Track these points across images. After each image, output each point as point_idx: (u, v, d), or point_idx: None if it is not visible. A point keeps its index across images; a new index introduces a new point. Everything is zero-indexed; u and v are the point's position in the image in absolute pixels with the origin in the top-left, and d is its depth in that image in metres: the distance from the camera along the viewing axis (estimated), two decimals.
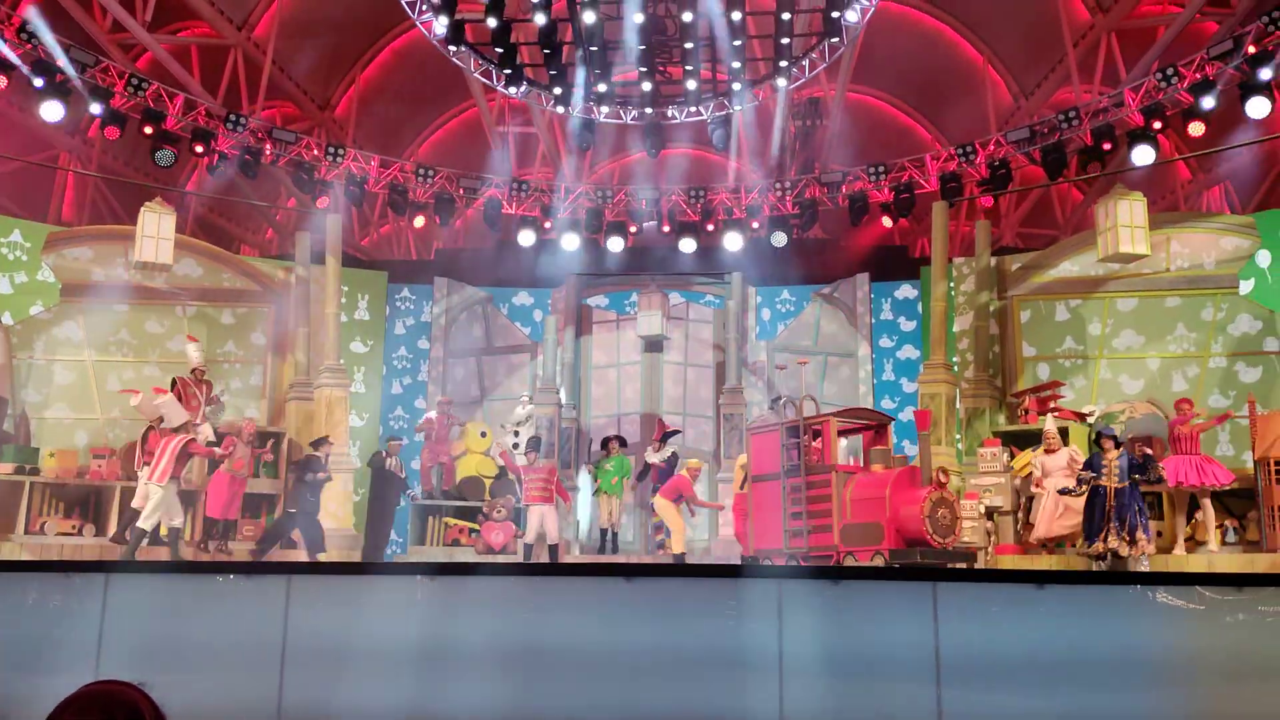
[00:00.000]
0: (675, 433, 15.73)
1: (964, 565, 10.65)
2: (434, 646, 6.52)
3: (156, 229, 15.90)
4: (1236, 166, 18.15)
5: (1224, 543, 12.51)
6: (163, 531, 12.76)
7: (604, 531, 14.63)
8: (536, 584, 6.97)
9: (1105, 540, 11.17)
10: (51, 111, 15.12)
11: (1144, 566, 10.97)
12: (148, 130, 16.03)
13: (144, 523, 12.24)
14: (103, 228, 17.88)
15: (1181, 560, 11.99)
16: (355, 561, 13.12)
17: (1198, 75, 14.74)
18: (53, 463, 14.44)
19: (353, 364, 17.94)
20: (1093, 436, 12.34)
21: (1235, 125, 15.37)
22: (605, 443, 14.89)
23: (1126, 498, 11.21)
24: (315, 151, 17.42)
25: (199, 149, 16.52)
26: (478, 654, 6.47)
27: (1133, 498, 11.23)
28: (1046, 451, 12.86)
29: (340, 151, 17.57)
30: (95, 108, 15.57)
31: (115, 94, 15.68)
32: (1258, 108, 14.20)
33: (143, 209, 16.06)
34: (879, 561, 10.58)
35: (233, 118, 16.70)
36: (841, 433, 11.86)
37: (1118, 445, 11.43)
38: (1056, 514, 12.58)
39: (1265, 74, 14.03)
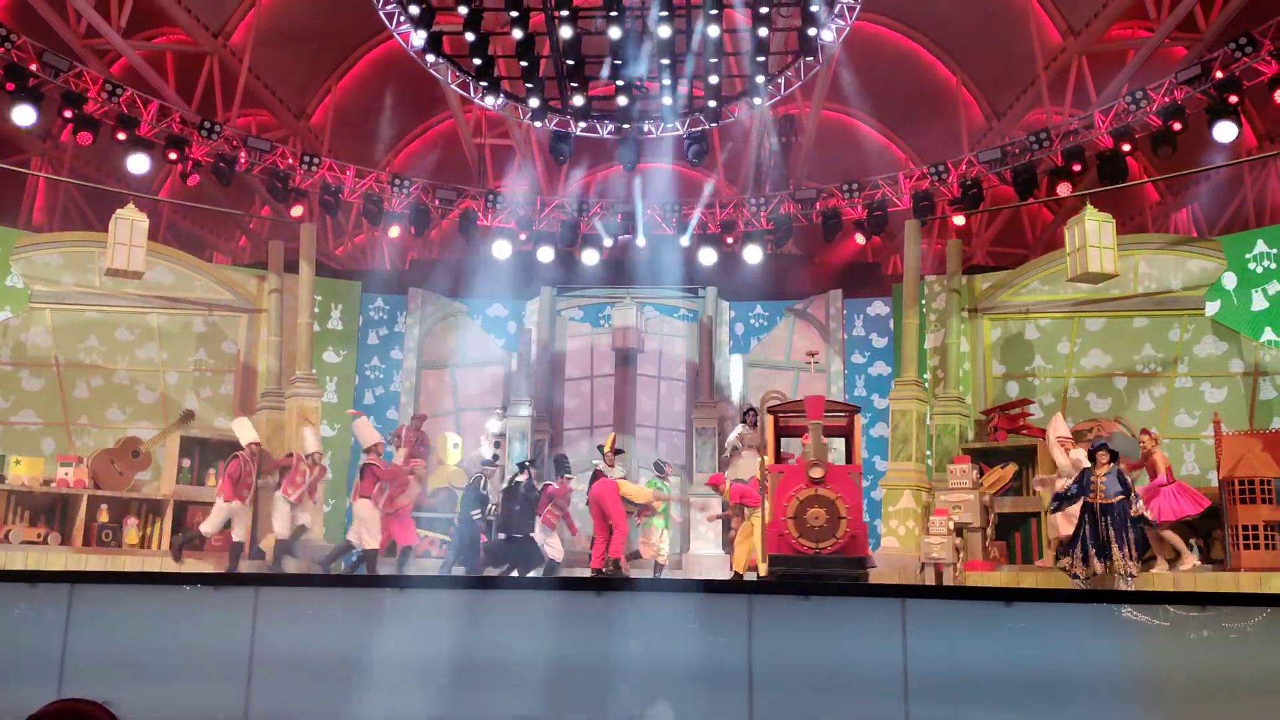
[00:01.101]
0: (622, 451, 15.42)
1: (839, 576, 9.15)
2: (402, 659, 6.50)
3: (129, 236, 15.73)
4: (1204, 189, 18.44)
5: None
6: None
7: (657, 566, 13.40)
8: (506, 598, 6.96)
9: (1096, 560, 10.81)
10: (23, 116, 14.99)
11: (1130, 585, 10.77)
12: (121, 136, 15.93)
13: (371, 542, 13.17)
14: (74, 234, 17.73)
15: (1148, 578, 12.10)
16: (323, 574, 13.02)
17: (1166, 99, 14.96)
18: (19, 470, 14.28)
19: (325, 374, 17.86)
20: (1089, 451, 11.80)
21: (1203, 149, 15.62)
22: (660, 466, 13.84)
23: (1116, 515, 10.89)
24: (290, 160, 17.36)
25: (173, 156, 16.43)
26: (446, 667, 6.45)
27: (1124, 514, 10.91)
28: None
29: (315, 160, 17.52)
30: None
31: (89, 99, 15.58)
32: (1225, 132, 14.42)
33: (115, 215, 15.90)
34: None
35: (207, 125, 16.62)
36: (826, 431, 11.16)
37: (1113, 459, 11.06)
38: None
39: (1232, 99, 14.27)
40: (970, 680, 6.16)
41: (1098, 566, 10.94)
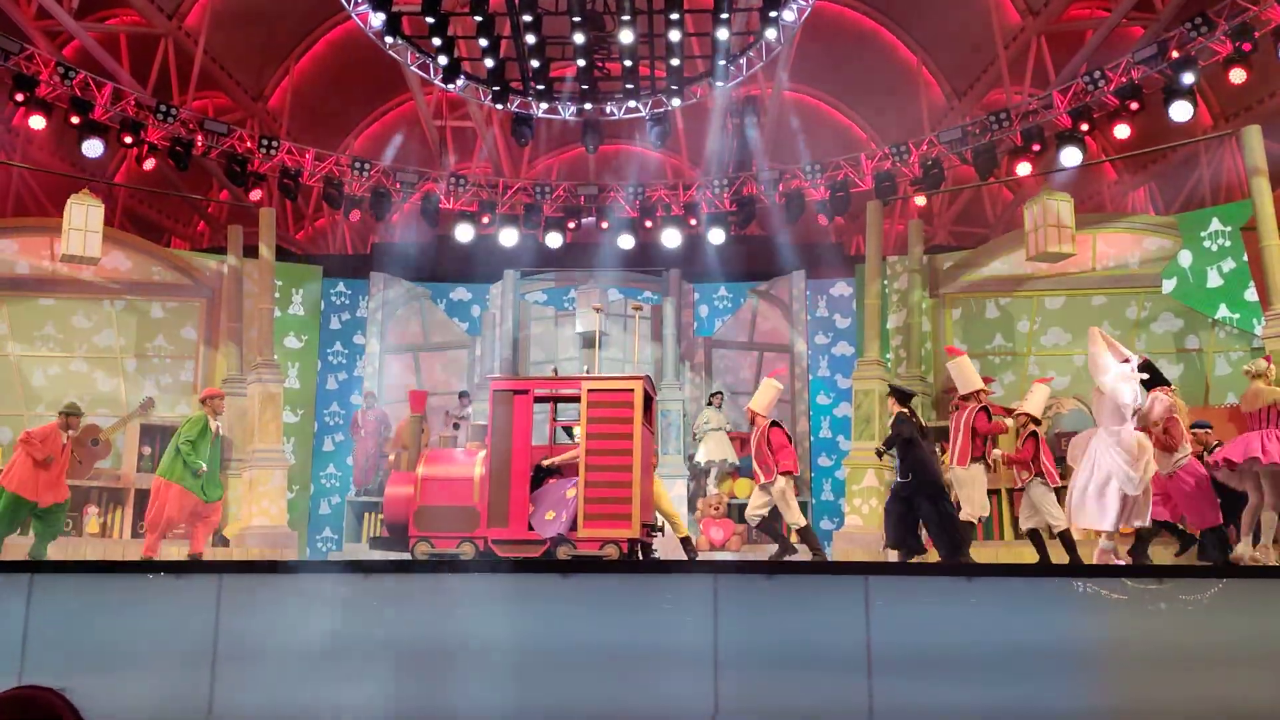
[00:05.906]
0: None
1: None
2: (367, 645, 6.48)
3: (84, 221, 15.54)
4: (1160, 169, 18.65)
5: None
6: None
7: None
8: (472, 581, 6.95)
9: None
10: None
11: None
12: (75, 120, 15.67)
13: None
14: (28, 220, 17.46)
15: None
16: (288, 560, 12.94)
17: (1123, 79, 15.11)
18: None
19: (287, 359, 17.71)
20: None
21: (1159, 128, 15.79)
22: None
23: None
24: (248, 143, 17.15)
25: (128, 140, 16.19)
26: (410, 653, 6.44)
27: None
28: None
29: (274, 143, 17.32)
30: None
31: (41, 83, 15.30)
32: (1180, 111, 14.60)
33: (70, 201, 15.69)
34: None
35: (163, 108, 16.38)
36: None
37: None
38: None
39: (1188, 79, 14.43)
40: (933, 655, 6.23)
41: None
